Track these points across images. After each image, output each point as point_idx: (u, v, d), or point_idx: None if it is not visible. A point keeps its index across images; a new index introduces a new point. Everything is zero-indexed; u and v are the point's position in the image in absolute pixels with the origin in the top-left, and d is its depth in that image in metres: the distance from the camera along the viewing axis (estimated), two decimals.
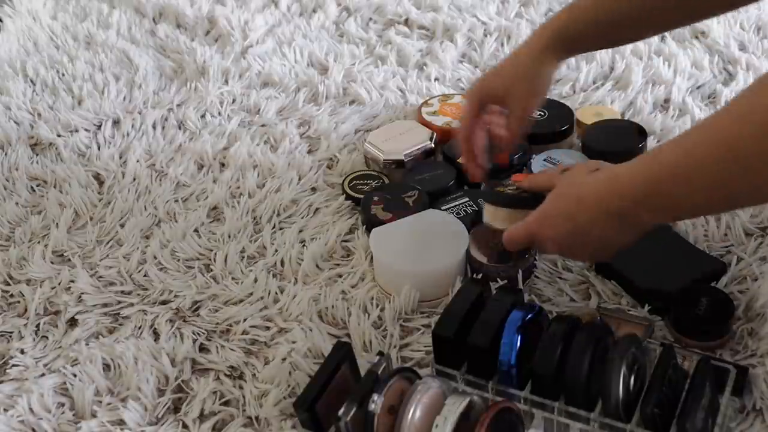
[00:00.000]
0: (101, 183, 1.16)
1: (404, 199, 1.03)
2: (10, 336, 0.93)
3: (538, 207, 0.80)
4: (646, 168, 0.71)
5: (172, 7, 1.54)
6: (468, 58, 1.37)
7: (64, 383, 0.86)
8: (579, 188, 0.77)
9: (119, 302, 0.96)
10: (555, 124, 1.13)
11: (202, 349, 0.90)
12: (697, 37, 1.35)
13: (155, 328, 0.92)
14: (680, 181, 0.68)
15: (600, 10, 0.90)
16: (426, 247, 0.94)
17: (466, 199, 1.02)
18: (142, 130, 1.24)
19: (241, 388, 0.85)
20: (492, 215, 0.89)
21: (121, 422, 0.82)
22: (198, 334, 0.91)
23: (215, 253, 1.01)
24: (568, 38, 0.92)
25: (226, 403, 0.84)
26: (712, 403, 0.72)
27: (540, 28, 0.95)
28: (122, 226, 1.07)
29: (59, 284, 0.99)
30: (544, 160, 1.08)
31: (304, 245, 1.01)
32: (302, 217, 1.06)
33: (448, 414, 0.68)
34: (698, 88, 1.24)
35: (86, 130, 1.26)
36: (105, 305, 0.96)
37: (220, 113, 1.27)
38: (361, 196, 1.05)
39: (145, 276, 0.99)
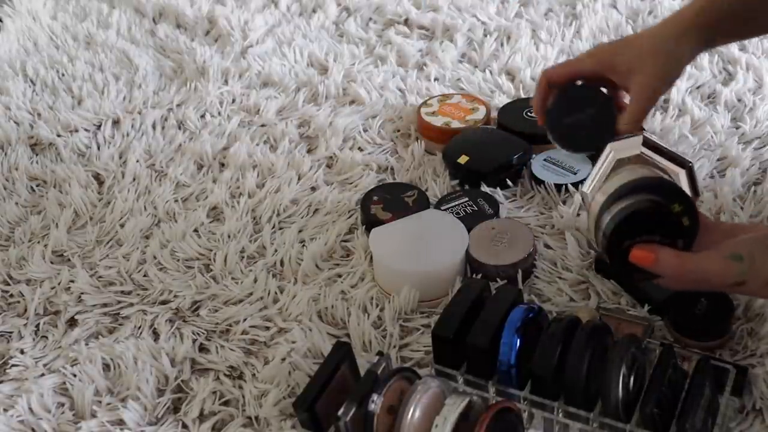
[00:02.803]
0: (101, 183, 1.16)
1: (404, 199, 1.03)
2: (10, 336, 0.93)
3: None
4: None
5: (172, 7, 1.54)
6: (468, 58, 1.37)
7: (64, 383, 0.86)
8: None
9: (119, 302, 0.96)
10: None
11: (202, 349, 0.90)
12: None
13: (155, 328, 0.92)
14: None
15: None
16: (426, 247, 0.94)
17: (466, 199, 1.02)
18: (141, 130, 1.24)
19: (240, 388, 0.85)
20: None
21: (120, 422, 0.82)
22: (198, 334, 0.91)
23: (215, 253, 1.01)
24: (707, 26, 0.79)
25: (226, 403, 0.84)
26: (712, 403, 0.72)
27: (678, 12, 0.81)
28: (122, 226, 1.07)
29: (59, 284, 0.99)
30: (544, 160, 1.08)
31: (303, 245, 1.01)
32: (302, 217, 1.06)
33: (448, 414, 0.68)
34: (698, 88, 1.23)
35: (86, 130, 1.26)
36: (105, 305, 0.96)
37: (219, 113, 1.27)
38: None
39: (144, 276, 0.99)
